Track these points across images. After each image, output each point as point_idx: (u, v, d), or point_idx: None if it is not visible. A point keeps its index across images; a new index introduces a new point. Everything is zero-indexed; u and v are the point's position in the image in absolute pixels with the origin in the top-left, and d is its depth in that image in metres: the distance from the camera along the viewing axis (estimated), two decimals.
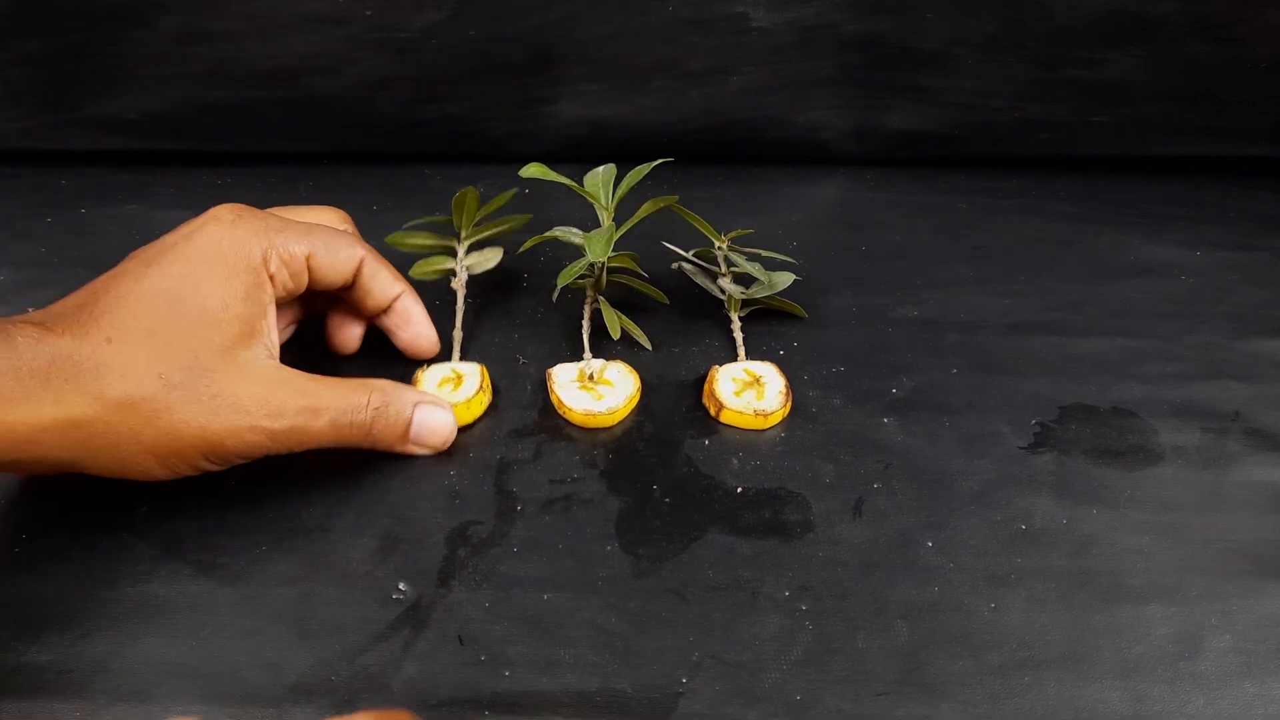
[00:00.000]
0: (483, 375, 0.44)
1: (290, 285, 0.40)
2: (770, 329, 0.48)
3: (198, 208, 0.40)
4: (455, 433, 0.42)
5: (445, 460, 0.41)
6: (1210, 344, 0.47)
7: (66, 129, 0.57)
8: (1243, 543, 0.39)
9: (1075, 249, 0.54)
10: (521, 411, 0.44)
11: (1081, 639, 0.35)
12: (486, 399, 0.44)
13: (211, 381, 0.35)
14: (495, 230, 0.49)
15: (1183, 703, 0.34)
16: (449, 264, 0.48)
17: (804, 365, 0.46)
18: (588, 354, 0.45)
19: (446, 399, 0.42)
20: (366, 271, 0.42)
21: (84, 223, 0.55)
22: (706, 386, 0.44)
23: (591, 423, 0.43)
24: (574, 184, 0.45)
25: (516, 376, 0.45)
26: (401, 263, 0.46)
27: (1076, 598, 0.37)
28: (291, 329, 0.45)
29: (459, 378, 0.44)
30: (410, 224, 0.49)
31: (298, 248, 0.39)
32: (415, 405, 0.40)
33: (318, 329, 0.45)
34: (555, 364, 0.45)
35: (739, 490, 0.40)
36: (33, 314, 0.36)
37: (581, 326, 0.46)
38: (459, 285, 0.48)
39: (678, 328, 0.48)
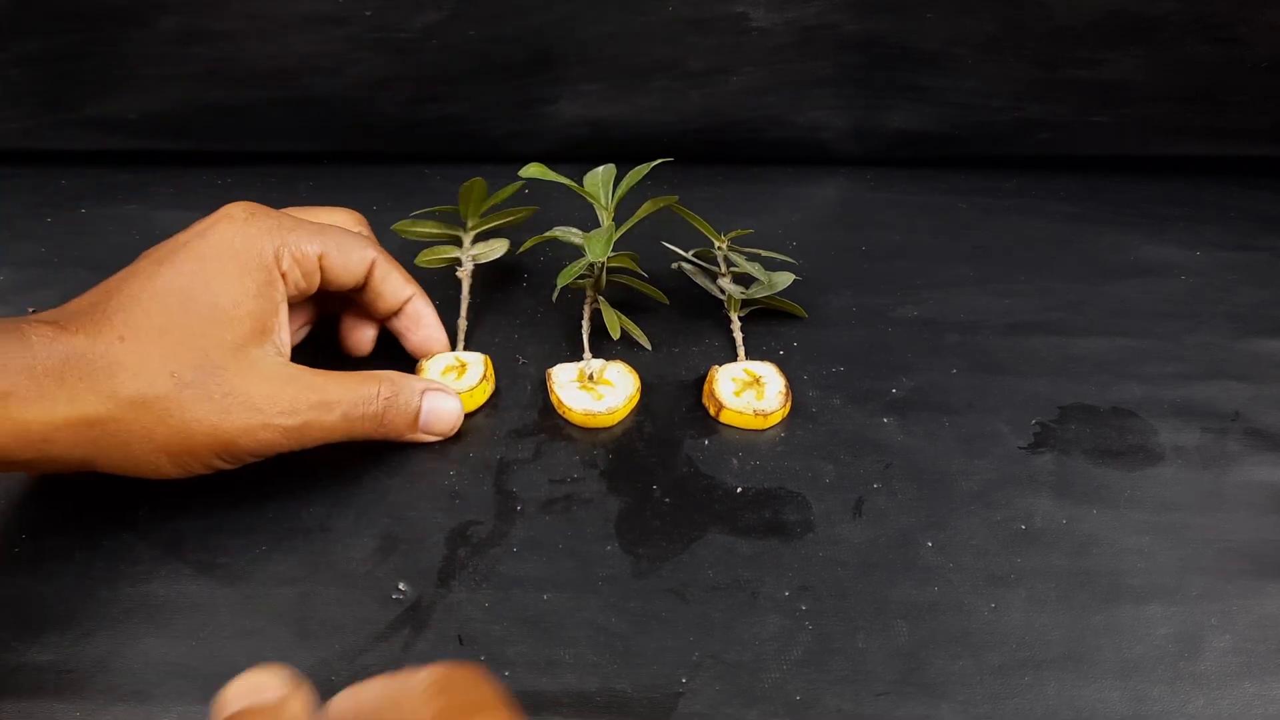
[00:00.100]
0: (486, 365, 0.44)
1: (302, 284, 0.40)
2: (770, 329, 0.48)
3: (198, 208, 0.40)
4: (462, 419, 0.42)
5: (445, 460, 0.41)
6: (1210, 344, 0.47)
7: (66, 129, 0.57)
8: (1243, 543, 0.39)
9: (1075, 249, 0.54)
10: (521, 411, 0.44)
11: (1081, 639, 0.35)
12: (489, 388, 0.44)
13: (223, 380, 0.36)
14: (501, 222, 0.49)
15: (1183, 703, 0.34)
16: (454, 253, 0.49)
17: (804, 365, 0.46)
18: (588, 354, 0.45)
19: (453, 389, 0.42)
20: (378, 273, 0.42)
21: (84, 223, 0.55)
22: (706, 386, 0.44)
23: (591, 423, 0.43)
24: (574, 184, 0.45)
25: (516, 376, 0.45)
26: (406, 250, 0.46)
27: (1076, 598, 0.37)
28: (306, 330, 0.45)
29: (463, 366, 0.44)
30: (416, 213, 0.49)
31: (310, 247, 0.39)
32: (423, 393, 0.41)
33: (331, 331, 0.45)
34: (555, 364, 0.45)
35: (739, 490, 0.40)
36: (46, 313, 0.36)
37: (581, 326, 0.46)
38: (464, 275, 0.48)
39: (678, 328, 0.48)
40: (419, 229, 0.49)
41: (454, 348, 0.46)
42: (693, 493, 0.40)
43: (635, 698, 0.34)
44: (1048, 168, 0.60)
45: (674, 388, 0.45)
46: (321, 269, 0.40)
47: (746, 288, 0.48)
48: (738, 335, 0.47)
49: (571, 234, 0.48)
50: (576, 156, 0.54)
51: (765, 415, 0.42)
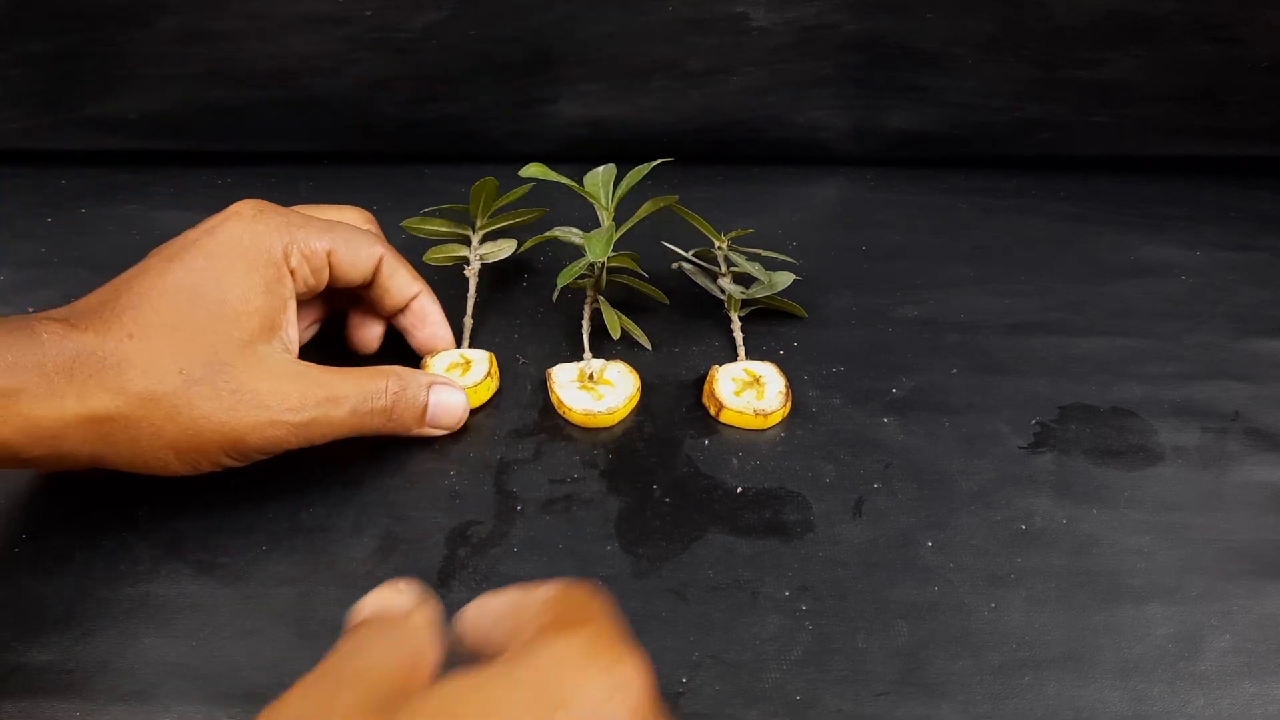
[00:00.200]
0: (490, 362, 0.44)
1: (311, 281, 0.40)
2: (770, 329, 0.48)
3: (198, 208, 0.40)
4: (468, 412, 0.42)
5: (445, 460, 0.41)
6: (1210, 344, 0.47)
7: (66, 129, 0.57)
8: (1243, 543, 0.39)
9: (1075, 249, 0.54)
10: (521, 411, 0.44)
11: (1081, 639, 0.35)
12: (494, 385, 0.44)
13: (231, 377, 0.36)
14: (510, 222, 0.49)
15: (1183, 703, 0.34)
16: (462, 252, 0.49)
17: (804, 365, 0.46)
18: (588, 354, 0.45)
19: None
20: (385, 269, 0.42)
21: (84, 223, 0.55)
22: (706, 386, 0.44)
23: (591, 423, 0.43)
24: (574, 184, 0.45)
25: (516, 376, 0.45)
26: (411, 249, 0.46)
27: (1076, 598, 0.37)
28: (315, 328, 0.45)
29: (467, 363, 0.44)
30: (426, 210, 0.49)
31: (319, 243, 0.40)
32: (429, 387, 0.41)
33: (338, 329, 0.45)
34: (555, 364, 0.45)
35: (739, 490, 0.40)
36: (56, 310, 0.36)
37: (581, 326, 0.46)
38: (472, 274, 0.48)
39: (678, 328, 0.48)
40: (429, 226, 0.49)
41: (459, 345, 0.46)
42: (693, 493, 0.40)
43: None
44: (1048, 168, 0.60)
45: (674, 388, 0.45)
46: (330, 265, 0.40)
47: (746, 288, 0.48)
48: (738, 335, 0.47)
49: (572, 234, 0.48)
50: (576, 156, 0.54)
51: (765, 415, 0.42)
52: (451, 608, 0.36)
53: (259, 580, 0.37)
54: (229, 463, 0.37)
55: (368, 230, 0.43)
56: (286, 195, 0.55)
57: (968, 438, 0.43)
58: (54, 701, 0.33)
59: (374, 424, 0.39)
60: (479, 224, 0.49)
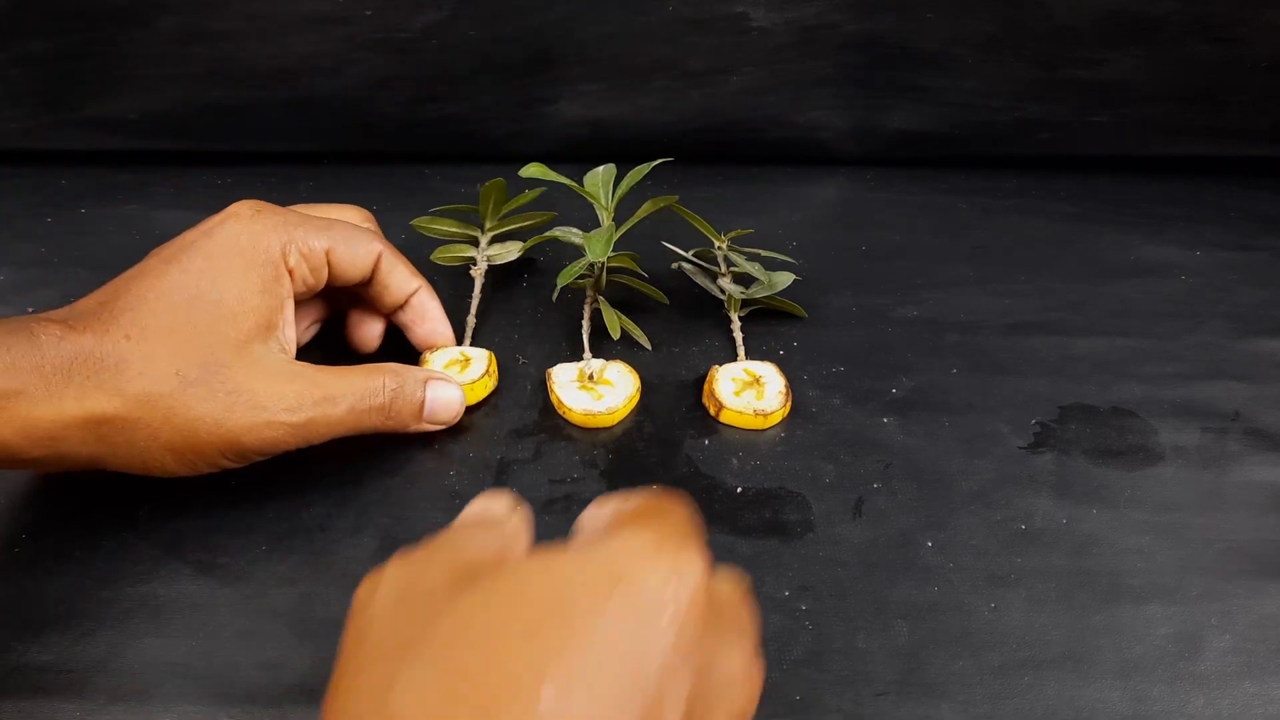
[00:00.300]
0: (490, 360, 0.44)
1: (310, 280, 0.40)
2: (770, 329, 0.48)
3: (198, 208, 0.40)
4: (464, 407, 0.42)
5: (445, 460, 0.41)
6: (1210, 344, 0.47)
7: (66, 129, 0.57)
8: (1243, 543, 0.39)
9: (1075, 249, 0.54)
10: (521, 411, 0.44)
11: (1081, 639, 0.35)
12: (491, 383, 0.44)
13: (227, 378, 0.36)
14: (518, 225, 0.49)
15: (1183, 703, 0.34)
16: (470, 252, 0.49)
17: (804, 365, 0.46)
18: (588, 354, 0.45)
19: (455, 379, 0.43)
20: (384, 266, 0.42)
21: (84, 223, 0.55)
22: (706, 386, 0.44)
23: (591, 423, 0.43)
24: (574, 184, 0.45)
25: (516, 376, 0.45)
26: (412, 248, 0.46)
27: (1076, 598, 0.37)
28: (315, 328, 0.45)
29: (466, 360, 0.44)
30: (435, 209, 0.49)
31: (317, 242, 0.40)
32: (426, 382, 0.41)
33: (338, 329, 0.45)
34: (555, 364, 0.45)
35: (739, 490, 0.40)
36: (55, 312, 0.36)
37: (581, 326, 0.46)
38: (478, 274, 0.48)
39: (678, 328, 0.48)
40: (438, 226, 0.49)
41: (460, 344, 0.46)
42: (693, 493, 0.40)
43: None
44: (1048, 168, 0.60)
45: (674, 388, 0.45)
46: (329, 264, 0.40)
47: (746, 288, 0.48)
48: (738, 335, 0.47)
49: (571, 234, 0.48)
50: (576, 156, 0.54)
51: (765, 415, 0.42)
52: None
53: (259, 580, 0.37)
54: (226, 464, 0.37)
55: (366, 228, 0.43)
56: (286, 195, 0.55)
57: (968, 438, 0.43)
58: (54, 701, 0.33)
59: (372, 422, 0.39)
60: (488, 225, 0.49)
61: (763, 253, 0.48)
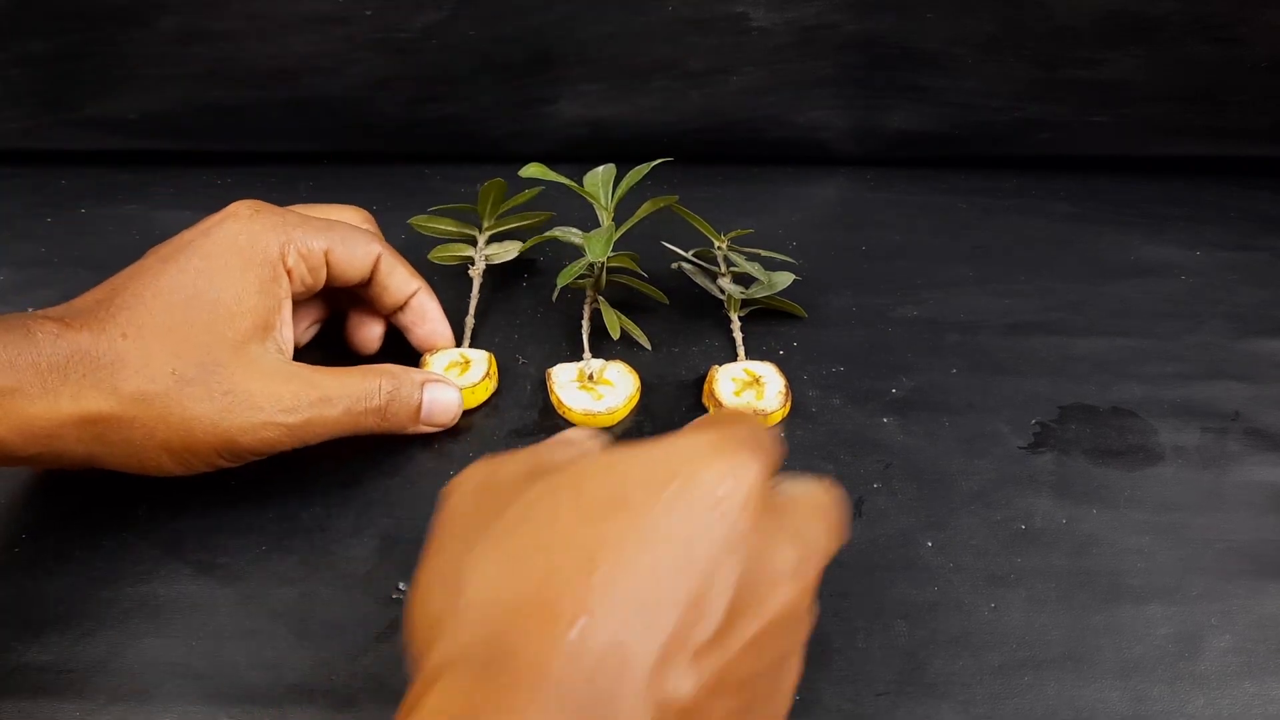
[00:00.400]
0: (490, 362, 0.44)
1: (309, 280, 0.40)
2: (770, 329, 0.48)
3: (198, 208, 0.40)
4: (462, 410, 0.42)
5: (445, 460, 0.41)
6: (1210, 344, 0.47)
7: (66, 129, 0.57)
8: (1243, 543, 0.39)
9: (1075, 249, 0.54)
10: (521, 411, 0.44)
11: (1081, 639, 0.35)
12: (492, 385, 0.44)
13: (224, 378, 0.36)
14: (516, 224, 0.49)
15: (1183, 703, 0.34)
16: (468, 251, 0.49)
17: (804, 365, 0.46)
18: (588, 354, 0.45)
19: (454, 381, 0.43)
20: (383, 268, 0.42)
21: (84, 223, 0.55)
22: (706, 386, 0.44)
23: (591, 423, 0.43)
24: (574, 184, 0.45)
25: (516, 376, 0.45)
26: (411, 248, 0.46)
27: (1076, 598, 0.37)
28: (315, 329, 0.45)
29: (466, 363, 0.44)
30: (434, 209, 0.49)
31: (316, 242, 0.40)
32: (424, 385, 0.41)
33: (338, 329, 0.45)
34: (555, 364, 0.45)
35: None
36: (52, 309, 0.36)
37: (581, 326, 0.46)
38: (476, 274, 0.48)
39: (678, 328, 0.48)
40: (435, 225, 0.49)
41: (460, 344, 0.46)
42: None
43: None
44: (1048, 168, 0.60)
45: (674, 388, 0.45)
46: (328, 264, 0.40)
47: (746, 288, 0.48)
48: (738, 335, 0.47)
49: (571, 234, 0.48)
50: (576, 156, 0.54)
51: (765, 415, 0.42)
52: None
53: (259, 580, 0.37)
54: (222, 463, 0.37)
55: (365, 229, 0.43)
56: (286, 195, 0.55)
57: (968, 438, 0.43)
58: (54, 701, 0.33)
59: (368, 423, 0.39)
60: (486, 225, 0.49)
61: (763, 253, 0.48)
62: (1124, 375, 0.46)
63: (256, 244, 0.38)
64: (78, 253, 0.53)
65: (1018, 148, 0.58)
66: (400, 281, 0.43)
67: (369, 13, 0.52)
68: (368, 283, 0.43)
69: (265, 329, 0.37)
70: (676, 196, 0.46)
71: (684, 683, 0.23)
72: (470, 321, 0.47)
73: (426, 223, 0.49)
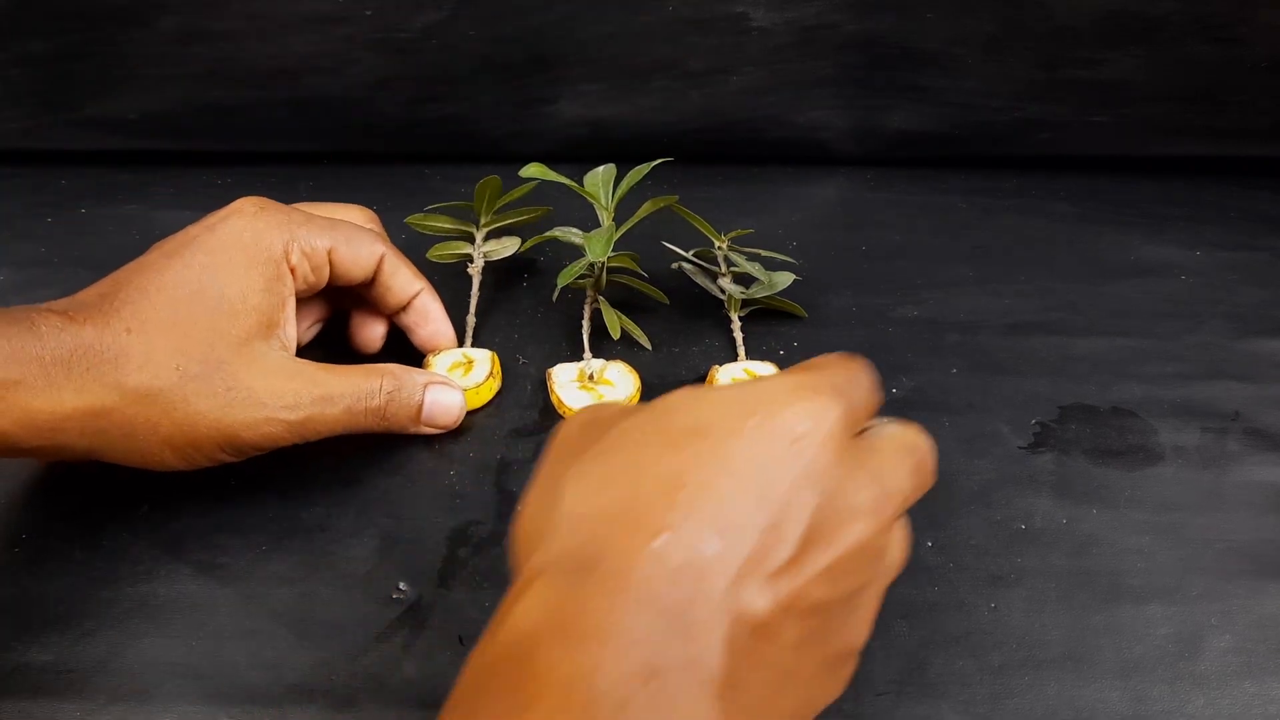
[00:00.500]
0: (493, 362, 0.44)
1: (311, 279, 0.40)
2: (770, 329, 0.48)
3: (198, 208, 0.40)
4: (464, 412, 0.42)
5: (445, 460, 0.41)
6: (1210, 344, 0.47)
7: (66, 129, 0.57)
8: (1243, 543, 0.39)
9: (1075, 249, 0.54)
10: (521, 411, 0.44)
11: (1081, 639, 0.35)
12: (496, 385, 0.44)
13: (227, 374, 0.36)
14: (514, 220, 0.49)
15: (1183, 703, 0.34)
16: (466, 249, 0.49)
17: None
18: (588, 354, 0.45)
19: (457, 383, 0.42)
20: (387, 268, 0.42)
21: (84, 223, 0.55)
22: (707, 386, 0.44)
23: None
24: (574, 184, 0.45)
25: (516, 376, 0.45)
26: (414, 247, 0.46)
27: (1076, 598, 0.37)
28: (317, 328, 0.45)
29: (469, 363, 0.44)
30: (430, 207, 0.49)
31: (319, 241, 0.40)
32: (426, 386, 0.41)
33: (341, 328, 0.45)
34: (555, 364, 0.45)
35: None
36: (56, 303, 0.36)
37: (581, 326, 0.46)
38: (475, 271, 0.48)
39: (678, 328, 0.48)
40: (432, 223, 0.49)
41: (462, 344, 0.46)
42: None
43: None
44: (1048, 168, 0.60)
45: (674, 388, 0.44)
46: (331, 263, 0.41)
47: (746, 288, 0.48)
48: (738, 335, 0.47)
49: (571, 234, 0.48)
50: (576, 156, 0.54)
51: None
52: (451, 608, 0.36)
53: (259, 580, 0.37)
54: (224, 458, 0.37)
55: (369, 229, 0.43)
56: (286, 195, 0.55)
57: (968, 438, 0.43)
58: (54, 701, 0.33)
59: (368, 423, 0.39)
60: (483, 221, 0.49)
61: (763, 253, 0.48)
62: (1124, 375, 0.46)
63: (261, 241, 0.38)
64: (78, 253, 0.53)
65: (1018, 148, 0.58)
66: (403, 282, 0.43)
67: (369, 13, 0.52)
68: (371, 283, 0.43)
69: (270, 326, 0.38)
70: (676, 196, 0.46)
71: (759, 600, 0.24)
72: (471, 320, 0.47)
73: (423, 221, 0.49)
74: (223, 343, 0.36)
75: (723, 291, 0.48)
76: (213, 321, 0.36)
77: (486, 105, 0.56)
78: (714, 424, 0.26)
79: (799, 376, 0.28)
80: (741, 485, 0.25)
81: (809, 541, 0.25)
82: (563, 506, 0.26)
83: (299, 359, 0.38)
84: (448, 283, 0.48)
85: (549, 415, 0.44)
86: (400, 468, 0.41)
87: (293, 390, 0.37)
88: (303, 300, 0.41)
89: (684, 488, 0.25)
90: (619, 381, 0.44)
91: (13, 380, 0.33)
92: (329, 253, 0.40)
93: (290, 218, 0.39)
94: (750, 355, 0.46)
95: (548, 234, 0.49)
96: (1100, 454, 0.42)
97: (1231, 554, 0.38)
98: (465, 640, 0.35)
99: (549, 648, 0.23)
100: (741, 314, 0.48)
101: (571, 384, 0.44)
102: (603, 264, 0.46)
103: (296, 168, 0.59)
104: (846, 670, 0.28)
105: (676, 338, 0.47)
